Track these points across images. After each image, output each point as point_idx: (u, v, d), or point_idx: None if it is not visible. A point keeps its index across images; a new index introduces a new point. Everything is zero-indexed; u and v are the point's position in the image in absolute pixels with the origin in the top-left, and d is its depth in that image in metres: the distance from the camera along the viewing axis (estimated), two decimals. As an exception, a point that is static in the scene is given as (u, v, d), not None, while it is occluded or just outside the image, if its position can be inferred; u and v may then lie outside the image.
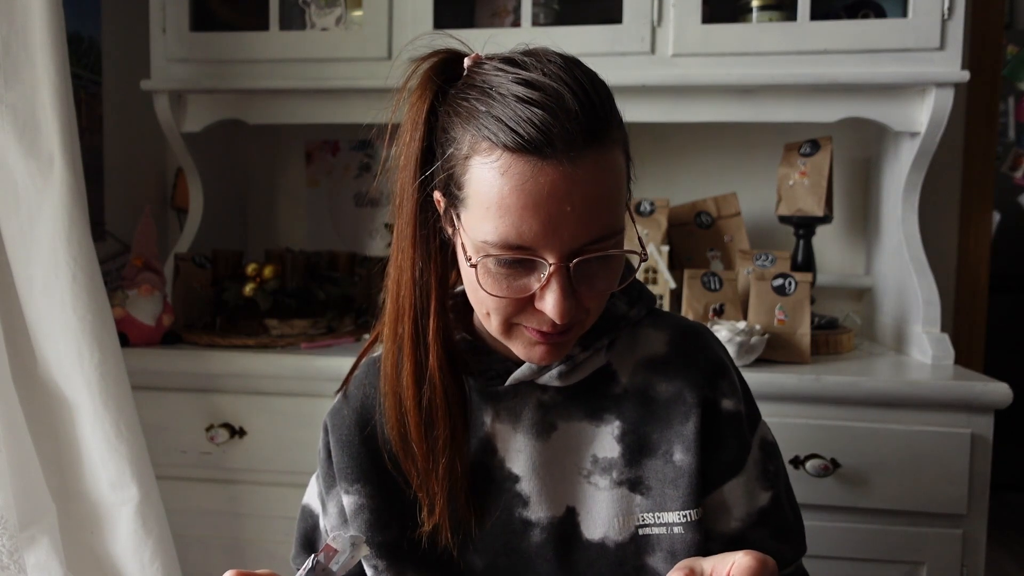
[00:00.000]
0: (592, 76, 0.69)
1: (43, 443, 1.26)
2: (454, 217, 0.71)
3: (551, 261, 0.66)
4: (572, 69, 0.67)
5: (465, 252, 0.70)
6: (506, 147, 0.64)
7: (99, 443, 1.26)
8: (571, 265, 0.66)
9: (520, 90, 0.65)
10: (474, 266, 0.68)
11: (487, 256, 0.67)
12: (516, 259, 0.67)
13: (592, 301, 0.71)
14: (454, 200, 0.70)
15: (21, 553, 1.18)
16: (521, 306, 0.70)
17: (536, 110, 0.63)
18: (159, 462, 1.38)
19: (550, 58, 0.68)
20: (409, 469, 0.78)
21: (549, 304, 0.67)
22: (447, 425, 0.76)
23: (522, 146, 0.63)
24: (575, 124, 0.64)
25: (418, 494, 0.78)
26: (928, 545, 1.25)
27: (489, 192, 0.65)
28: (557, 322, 0.68)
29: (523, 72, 0.66)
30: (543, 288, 0.67)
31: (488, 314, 0.72)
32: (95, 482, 1.28)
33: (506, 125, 0.64)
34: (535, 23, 1.54)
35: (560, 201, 0.64)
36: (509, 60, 0.69)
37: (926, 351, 1.41)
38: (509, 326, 0.72)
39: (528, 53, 0.69)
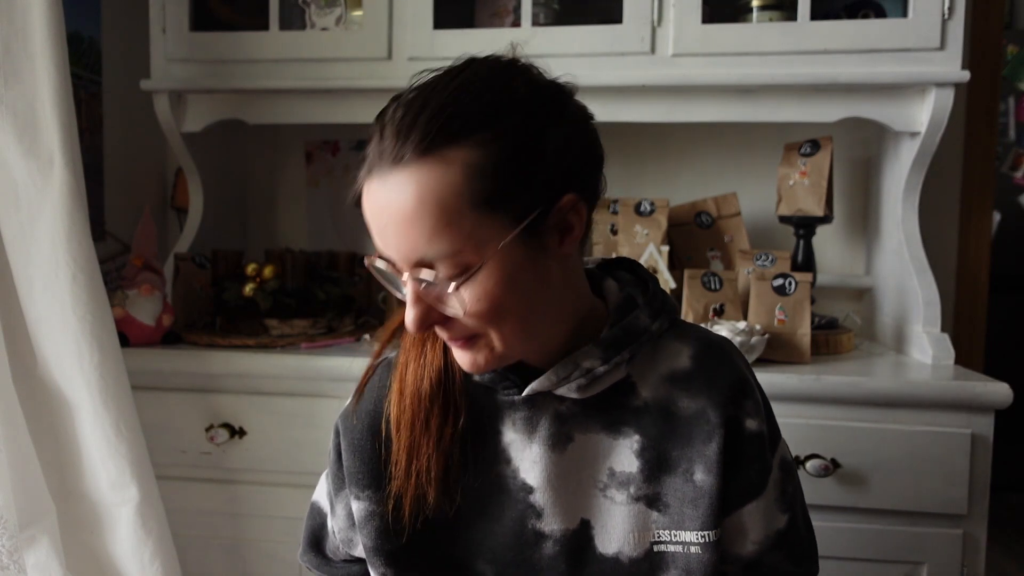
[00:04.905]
0: (457, 89, 0.68)
1: (43, 443, 1.26)
2: None
3: (402, 272, 0.69)
4: (440, 82, 0.69)
5: None
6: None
7: (99, 443, 1.26)
8: (406, 279, 0.69)
9: (387, 112, 0.70)
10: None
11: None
12: (386, 270, 0.71)
13: (472, 317, 0.69)
14: None
15: (21, 553, 1.18)
16: None
17: (376, 134, 0.69)
18: (159, 462, 1.38)
19: (449, 68, 0.71)
20: (396, 451, 0.79)
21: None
22: (435, 419, 0.77)
23: (362, 165, 0.70)
24: (390, 144, 0.67)
25: (395, 484, 0.79)
26: (928, 545, 1.25)
27: None
28: (409, 330, 0.70)
29: (401, 96, 0.70)
30: None
31: None
32: (95, 482, 1.28)
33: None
34: (535, 23, 1.54)
35: (378, 215, 0.68)
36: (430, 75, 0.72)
37: (926, 351, 1.41)
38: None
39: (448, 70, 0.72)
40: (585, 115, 0.76)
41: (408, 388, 0.78)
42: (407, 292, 0.69)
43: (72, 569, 1.26)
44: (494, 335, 0.71)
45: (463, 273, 0.67)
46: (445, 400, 0.77)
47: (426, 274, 0.67)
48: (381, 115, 0.70)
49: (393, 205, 0.66)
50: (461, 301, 0.68)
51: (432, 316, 0.70)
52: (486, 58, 0.73)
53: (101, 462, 1.27)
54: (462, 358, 0.74)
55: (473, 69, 0.70)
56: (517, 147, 0.67)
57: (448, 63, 0.74)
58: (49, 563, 1.22)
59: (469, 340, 0.72)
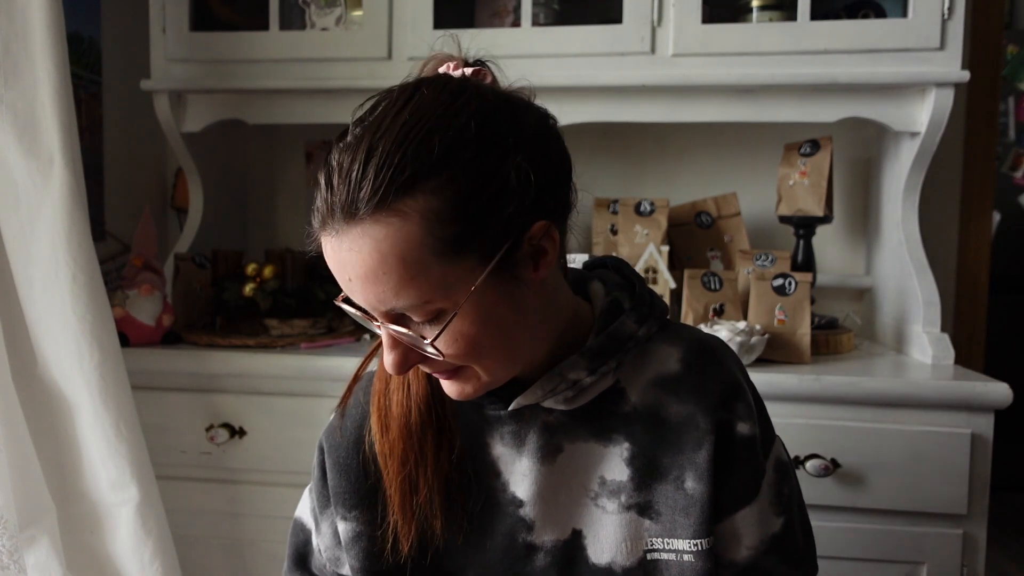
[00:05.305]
0: (404, 128, 0.63)
1: (43, 443, 1.26)
2: None
3: (374, 319, 0.67)
4: (385, 118, 0.64)
5: None
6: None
7: (99, 443, 1.26)
8: (380, 326, 0.67)
9: (332, 157, 0.65)
10: None
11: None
12: (356, 314, 0.69)
13: (451, 357, 0.67)
14: None
15: (21, 553, 1.18)
16: None
17: (323, 183, 0.64)
18: (159, 462, 1.38)
19: (397, 96, 0.66)
20: (388, 486, 0.77)
21: None
22: (430, 449, 0.75)
23: (313, 215, 0.66)
24: (340, 197, 0.62)
25: (392, 517, 0.77)
26: (928, 545, 1.25)
27: None
28: (391, 373, 0.69)
29: (346, 135, 0.66)
30: None
31: None
32: (95, 482, 1.28)
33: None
34: (535, 23, 1.54)
35: (340, 271, 0.65)
36: (372, 105, 0.67)
37: (926, 351, 1.41)
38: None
39: (389, 95, 0.67)
40: (545, 125, 0.71)
41: (395, 421, 0.76)
42: (382, 336, 0.68)
43: (72, 569, 1.26)
44: (477, 368, 0.69)
45: (436, 319, 0.65)
46: (439, 426, 0.76)
47: (398, 326, 0.66)
48: (327, 160, 0.65)
49: (353, 262, 0.63)
50: (437, 346, 0.66)
51: (411, 357, 0.68)
52: (435, 81, 0.67)
53: (101, 462, 1.27)
54: (449, 388, 0.72)
55: (420, 99, 0.65)
56: (476, 186, 0.63)
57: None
58: (49, 563, 1.22)
59: (454, 372, 0.70)
